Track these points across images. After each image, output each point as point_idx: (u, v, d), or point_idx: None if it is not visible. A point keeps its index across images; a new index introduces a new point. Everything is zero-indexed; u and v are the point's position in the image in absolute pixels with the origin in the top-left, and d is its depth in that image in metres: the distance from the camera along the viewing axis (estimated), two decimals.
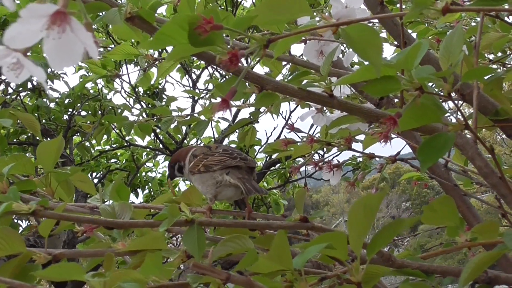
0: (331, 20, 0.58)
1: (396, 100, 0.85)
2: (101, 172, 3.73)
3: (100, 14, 0.68)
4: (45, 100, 3.02)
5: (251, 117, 1.22)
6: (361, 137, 0.92)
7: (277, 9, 0.46)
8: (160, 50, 3.04)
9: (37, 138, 2.85)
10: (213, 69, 3.38)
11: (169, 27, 0.42)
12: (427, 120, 0.55)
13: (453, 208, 0.57)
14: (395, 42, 0.95)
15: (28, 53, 0.37)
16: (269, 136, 3.23)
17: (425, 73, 0.52)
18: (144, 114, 1.70)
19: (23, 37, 0.35)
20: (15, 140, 3.08)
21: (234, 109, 2.82)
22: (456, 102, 0.61)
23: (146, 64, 1.17)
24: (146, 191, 3.91)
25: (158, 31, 0.42)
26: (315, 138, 0.85)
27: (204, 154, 0.84)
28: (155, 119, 1.52)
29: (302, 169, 0.97)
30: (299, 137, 0.92)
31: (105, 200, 0.77)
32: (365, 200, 0.48)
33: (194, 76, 3.58)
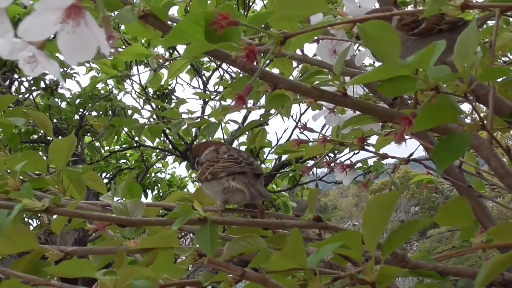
0: (347, 17, 0.58)
1: (410, 101, 0.84)
2: (111, 172, 3.74)
3: (113, 13, 0.68)
4: (56, 99, 3.04)
5: (261, 119, 1.22)
6: (373, 140, 0.91)
7: (293, 5, 0.46)
8: (170, 51, 3.05)
9: (49, 137, 2.87)
10: (224, 71, 3.38)
11: (185, 23, 0.42)
12: (442, 120, 0.55)
13: (467, 208, 0.57)
14: None
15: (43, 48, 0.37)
16: (280, 138, 3.21)
17: (441, 73, 0.51)
18: (154, 116, 1.70)
19: (38, 29, 0.34)
20: (26, 139, 3.09)
21: (244, 111, 2.81)
22: (471, 102, 0.60)
23: (156, 64, 1.17)
24: (155, 192, 3.92)
25: (174, 27, 0.42)
26: (327, 138, 0.84)
27: (209, 162, 0.84)
28: (164, 121, 1.52)
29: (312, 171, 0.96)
30: (308, 138, 0.91)
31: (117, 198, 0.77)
32: (380, 198, 0.48)
33: (204, 78, 3.58)
